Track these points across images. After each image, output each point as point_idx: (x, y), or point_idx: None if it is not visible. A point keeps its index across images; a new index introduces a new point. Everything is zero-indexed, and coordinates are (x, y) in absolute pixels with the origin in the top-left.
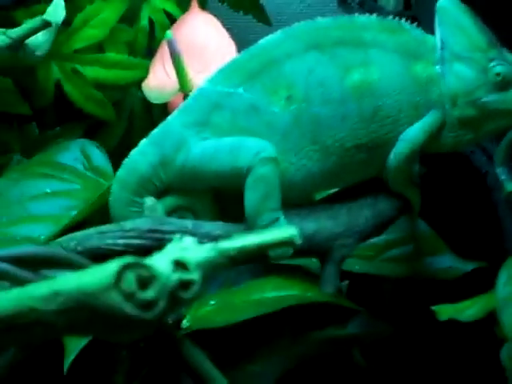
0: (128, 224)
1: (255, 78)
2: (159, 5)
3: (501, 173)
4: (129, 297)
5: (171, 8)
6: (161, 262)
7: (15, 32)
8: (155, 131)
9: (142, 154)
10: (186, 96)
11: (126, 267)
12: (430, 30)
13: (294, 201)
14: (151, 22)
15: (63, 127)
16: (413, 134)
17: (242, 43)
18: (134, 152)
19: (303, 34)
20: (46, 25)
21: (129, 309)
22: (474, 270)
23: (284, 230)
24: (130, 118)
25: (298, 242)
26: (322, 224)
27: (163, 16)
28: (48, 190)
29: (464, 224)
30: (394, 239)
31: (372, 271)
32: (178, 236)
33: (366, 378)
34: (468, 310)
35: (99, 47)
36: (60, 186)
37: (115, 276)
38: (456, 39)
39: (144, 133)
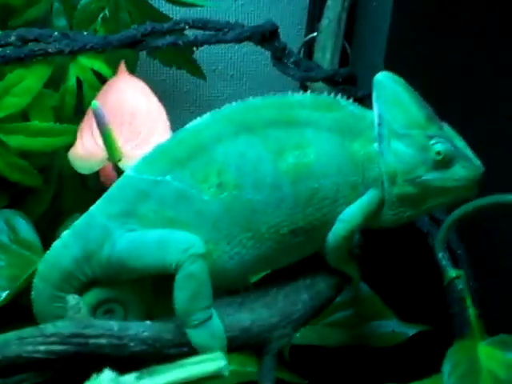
0: (49, 328)
1: (183, 165)
2: (87, 64)
3: (442, 258)
4: None
5: (99, 66)
6: None
7: None
8: (78, 222)
9: (65, 248)
10: (115, 165)
11: None
12: (367, 87)
13: (229, 287)
14: (79, 82)
15: None
16: (351, 214)
17: (177, 94)
18: (55, 244)
19: (233, 117)
20: None
21: None
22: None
23: (212, 363)
24: (59, 182)
25: (226, 373)
26: (257, 314)
27: (91, 75)
28: None
29: (406, 285)
30: (337, 303)
31: (314, 341)
32: (94, 375)
33: None
34: None
35: (24, 115)
36: None
37: None
38: (394, 115)
39: (76, 196)
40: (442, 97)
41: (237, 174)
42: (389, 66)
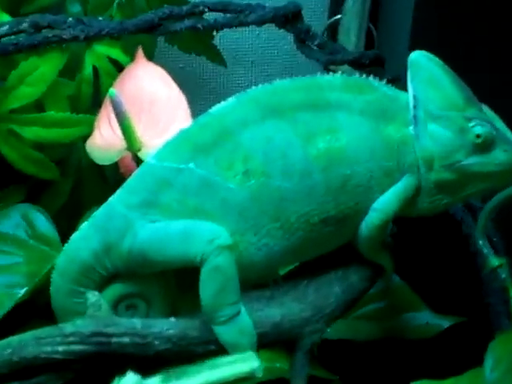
0: (68, 327)
1: (207, 152)
2: (103, 51)
3: (483, 246)
4: None
5: (116, 54)
6: None
7: None
8: (97, 214)
9: (84, 240)
10: (134, 155)
11: None
12: (394, 69)
13: (256, 280)
14: (96, 70)
15: (3, 192)
16: (386, 202)
17: (196, 82)
18: (74, 237)
19: (260, 100)
20: None
21: None
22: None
23: (244, 364)
24: (77, 174)
25: (260, 374)
26: (288, 308)
27: (108, 63)
28: None
29: (440, 274)
30: (368, 295)
31: (346, 334)
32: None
33: None
34: None
35: (38, 105)
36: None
37: None
38: (430, 96)
39: (94, 188)
40: (469, 78)
41: (264, 160)
42: (414, 48)
